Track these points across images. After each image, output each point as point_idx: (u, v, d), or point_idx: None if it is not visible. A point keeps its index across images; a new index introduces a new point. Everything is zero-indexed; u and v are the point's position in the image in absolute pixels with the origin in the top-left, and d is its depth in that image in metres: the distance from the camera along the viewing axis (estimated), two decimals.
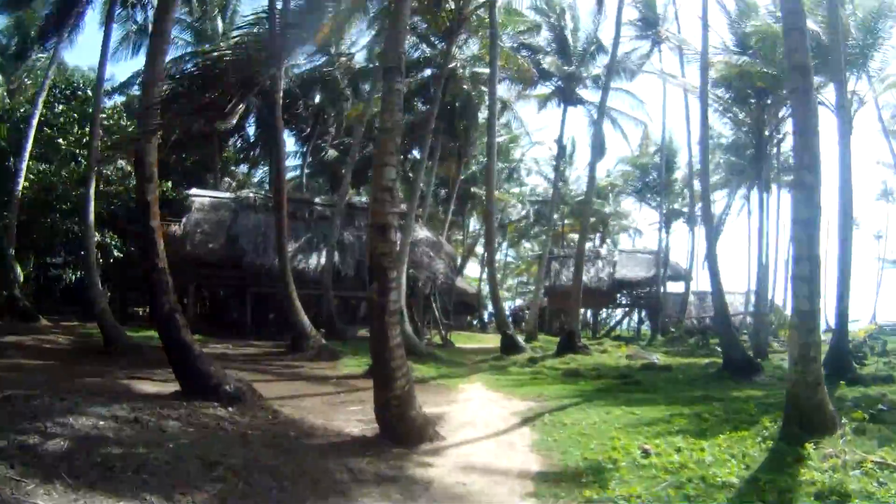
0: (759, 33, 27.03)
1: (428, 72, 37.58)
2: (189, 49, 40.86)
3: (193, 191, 36.21)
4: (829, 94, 27.61)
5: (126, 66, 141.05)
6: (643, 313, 56.51)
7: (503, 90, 42.46)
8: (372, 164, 13.18)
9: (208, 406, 11.77)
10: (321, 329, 27.17)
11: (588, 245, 67.30)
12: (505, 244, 75.95)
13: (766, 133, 33.75)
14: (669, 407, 14.84)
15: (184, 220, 33.70)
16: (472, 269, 75.48)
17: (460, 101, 41.27)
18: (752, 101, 31.47)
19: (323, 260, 33.14)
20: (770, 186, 42.30)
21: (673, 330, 42.45)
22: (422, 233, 36.83)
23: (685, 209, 58.32)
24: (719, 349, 33.40)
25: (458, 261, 57.98)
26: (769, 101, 30.92)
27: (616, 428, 12.19)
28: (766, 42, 26.48)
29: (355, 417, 12.83)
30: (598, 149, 32.48)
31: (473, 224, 69.65)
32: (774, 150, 43.39)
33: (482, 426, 12.81)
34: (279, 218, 25.69)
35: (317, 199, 38.75)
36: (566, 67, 40.16)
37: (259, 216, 34.71)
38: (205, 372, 13.21)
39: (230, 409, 12.01)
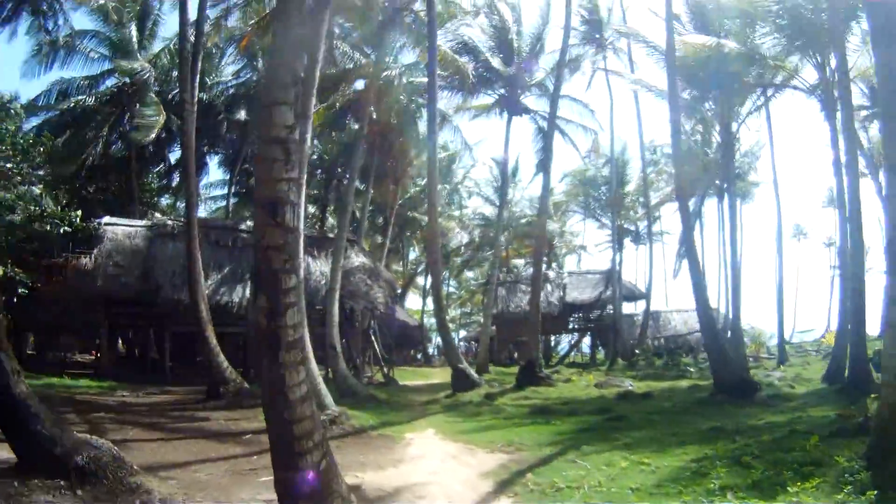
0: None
1: (360, 84, 34.25)
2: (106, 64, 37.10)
3: (106, 219, 31.90)
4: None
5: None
6: (596, 337, 53.30)
7: (442, 103, 39.34)
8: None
9: (48, 488, 8.20)
10: (249, 371, 23.85)
11: (531, 270, 64.78)
12: (447, 274, 72.35)
13: (735, 129, 31.06)
14: (683, 449, 11.56)
15: (95, 251, 29.45)
16: (414, 301, 71.84)
17: (396, 116, 37.92)
18: (717, 93, 28.71)
19: (248, 293, 29.11)
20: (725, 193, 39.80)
21: (638, 353, 39.13)
22: (357, 259, 33.09)
23: (635, 226, 55.94)
24: (690, 370, 30.62)
25: (399, 290, 54.31)
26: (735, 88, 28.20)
27: (634, 491, 8.64)
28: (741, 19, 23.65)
29: (263, 497, 8.97)
30: (549, 156, 28.97)
31: (413, 253, 65.97)
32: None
33: (442, 501, 9.02)
34: (190, 240, 21.70)
35: (243, 226, 34.51)
36: (510, 70, 36.88)
37: (178, 245, 30.38)
38: (48, 437, 9.12)
39: (79, 491, 8.38)
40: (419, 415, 18.87)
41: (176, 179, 45.01)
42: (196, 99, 24.03)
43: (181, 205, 44.30)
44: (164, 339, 30.91)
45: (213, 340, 21.12)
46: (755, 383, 19.46)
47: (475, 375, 24.35)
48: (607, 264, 56.30)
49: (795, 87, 26.76)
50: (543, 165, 28.95)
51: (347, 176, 41.02)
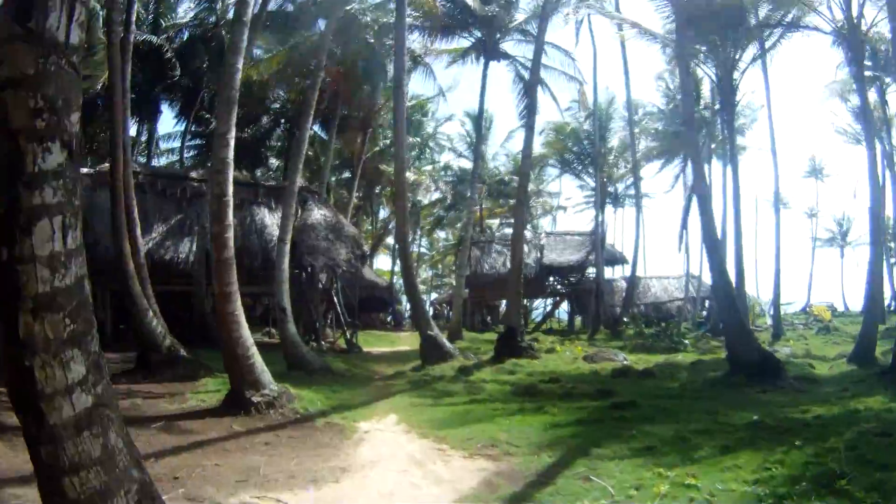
0: None
1: (322, 23, 30.81)
2: None
3: None
4: None
5: None
6: (574, 303, 50.50)
7: (414, 45, 35.89)
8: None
9: None
10: (195, 334, 21.18)
11: (507, 231, 61.77)
12: (418, 233, 69.15)
13: (736, 80, 28.06)
14: (732, 458, 8.73)
15: None
16: (384, 262, 68.72)
17: (363, 60, 34.52)
18: (717, 37, 25.68)
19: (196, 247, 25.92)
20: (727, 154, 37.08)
21: (626, 321, 36.23)
22: (318, 212, 29.86)
23: (614, 187, 53.06)
24: (685, 342, 27.82)
25: (367, 250, 51.12)
26: (739, 33, 25.20)
27: None
28: None
29: None
30: (534, 103, 25.43)
31: (383, 212, 62.60)
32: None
33: None
34: (114, 180, 18.27)
35: (193, 174, 30.92)
36: (488, 10, 33.47)
37: (136, 196, 26.98)
38: None
39: None
40: (381, 393, 15.66)
41: (130, 131, 41.21)
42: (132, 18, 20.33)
43: (140, 158, 40.58)
44: (105, 300, 27.55)
45: (143, 301, 17.81)
46: (779, 363, 16.53)
47: (448, 345, 21.19)
48: (585, 227, 53.90)
49: (815, 28, 23.70)
50: (528, 110, 25.56)
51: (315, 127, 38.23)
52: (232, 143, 12.49)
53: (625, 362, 20.52)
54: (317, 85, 21.98)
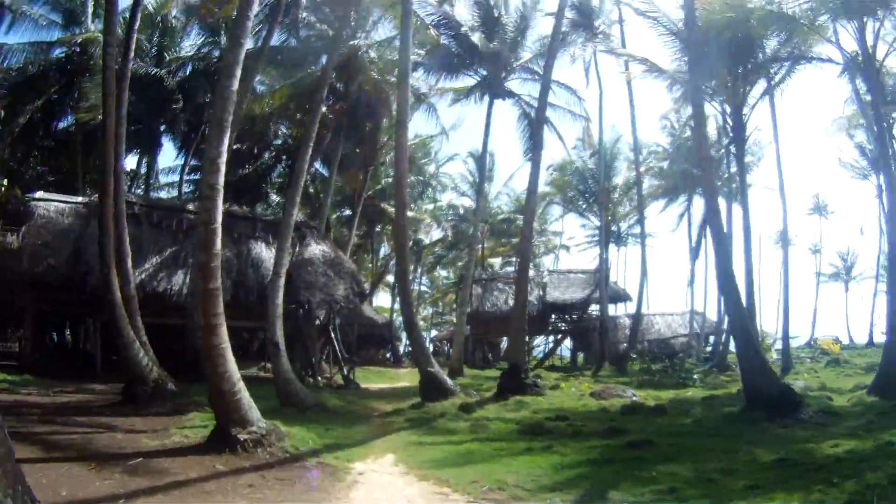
0: None
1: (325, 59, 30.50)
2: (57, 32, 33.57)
3: (38, 194, 27.74)
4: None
5: None
6: (578, 340, 49.55)
7: (419, 83, 35.50)
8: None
9: None
10: (187, 367, 20.08)
11: (509, 269, 61.00)
12: (419, 271, 68.32)
13: (746, 115, 27.51)
14: (764, 498, 7.82)
15: (23, 229, 25.35)
16: (384, 300, 67.85)
17: (366, 97, 34.06)
18: (727, 70, 25.17)
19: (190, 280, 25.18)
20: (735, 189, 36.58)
21: (633, 356, 35.28)
22: (317, 247, 29.11)
23: (617, 227, 52.32)
24: (694, 377, 26.98)
25: (367, 286, 50.30)
26: (748, 67, 24.68)
27: None
28: None
29: None
30: (540, 138, 24.72)
31: (384, 250, 61.83)
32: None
33: None
34: (103, 206, 17.54)
35: (190, 206, 30.19)
36: (493, 47, 33.05)
37: (130, 227, 26.25)
38: None
39: None
40: (377, 432, 14.75)
41: (128, 160, 40.67)
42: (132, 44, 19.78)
43: (138, 190, 39.95)
44: (94, 329, 26.77)
45: (128, 330, 16.97)
46: (798, 396, 15.63)
47: (449, 381, 20.23)
48: (587, 265, 53.12)
49: (827, 60, 23.16)
50: (534, 145, 24.87)
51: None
52: (223, 168, 11.71)
53: (634, 398, 19.60)
54: (316, 118, 21.35)
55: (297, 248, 28.41)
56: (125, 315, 17.05)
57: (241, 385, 11.48)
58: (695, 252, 42.31)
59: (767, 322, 64.51)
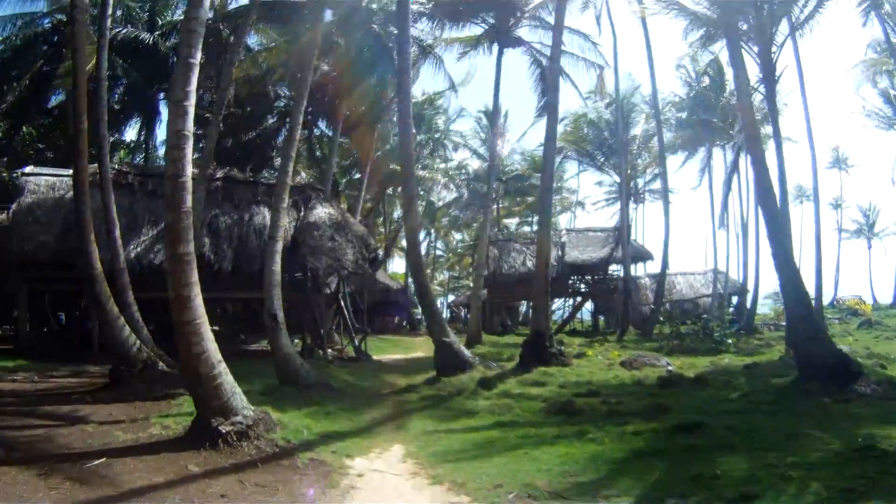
0: None
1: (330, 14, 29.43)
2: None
3: (28, 169, 26.29)
4: None
5: None
6: (600, 302, 47.81)
7: (424, 34, 33.52)
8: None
9: None
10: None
11: (526, 230, 59.18)
12: (433, 235, 66.56)
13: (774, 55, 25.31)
14: None
15: (13, 206, 24.08)
16: (399, 266, 66.22)
17: (370, 51, 32.17)
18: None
19: None
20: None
21: (662, 320, 33.43)
22: (322, 210, 27.28)
23: (634, 183, 50.36)
24: (729, 342, 25.28)
25: (380, 252, 48.67)
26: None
27: None
28: None
29: None
30: (557, 80, 22.52)
31: (397, 212, 59.93)
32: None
33: None
34: (77, 172, 15.93)
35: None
36: None
37: (124, 197, 24.57)
38: None
39: None
40: (386, 415, 13.09)
41: (127, 132, 39.22)
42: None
43: (138, 159, 38.34)
44: (89, 308, 25.26)
45: (112, 306, 15.40)
46: (857, 366, 13.87)
47: (466, 353, 18.49)
48: (604, 225, 51.16)
49: None
50: (550, 86, 22.69)
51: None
52: (191, 112, 9.99)
53: (669, 369, 17.92)
54: (309, 71, 19.39)
55: (303, 213, 26.71)
56: (107, 290, 15.50)
57: (221, 367, 9.83)
58: (724, 204, 40.28)
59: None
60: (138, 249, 23.33)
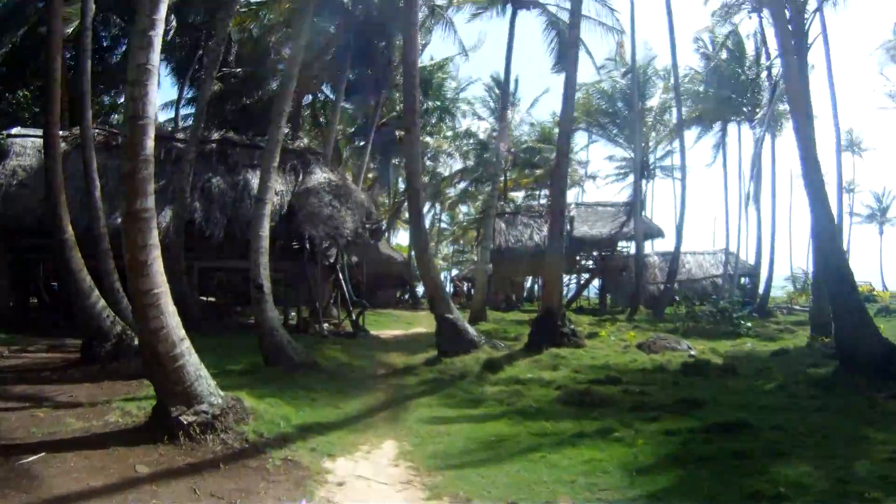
0: None
1: None
2: None
3: (15, 130, 24.95)
4: None
5: None
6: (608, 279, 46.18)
7: None
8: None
9: None
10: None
11: (533, 203, 57.42)
12: (438, 208, 64.74)
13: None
14: None
15: None
16: (403, 238, 64.62)
17: (375, 11, 30.59)
18: None
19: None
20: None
21: (678, 300, 31.92)
22: (321, 174, 25.70)
23: (644, 157, 48.56)
24: (749, 325, 23.90)
25: (382, 222, 47.14)
26: None
27: None
28: None
29: None
30: (577, 35, 20.50)
31: (402, 183, 58.17)
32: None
33: None
34: (49, 125, 14.48)
35: (180, 135, 26.85)
36: None
37: (102, 159, 22.91)
38: None
39: None
40: (379, 401, 11.56)
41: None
42: None
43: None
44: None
45: (82, 275, 13.98)
46: None
47: (471, 331, 16.93)
48: (614, 200, 49.47)
49: None
50: (571, 25, 20.56)
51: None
52: (157, 44, 8.42)
53: (692, 353, 16.41)
54: (302, 27, 17.66)
55: (301, 178, 25.20)
56: (78, 258, 14.10)
57: (185, 346, 8.36)
58: (756, 179, 38.49)
59: (798, 262, 60.88)
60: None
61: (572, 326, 17.85)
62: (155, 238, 8.29)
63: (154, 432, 8.10)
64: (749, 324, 24.37)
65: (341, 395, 11.55)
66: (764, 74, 38.05)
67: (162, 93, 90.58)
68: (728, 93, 38.32)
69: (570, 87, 19.40)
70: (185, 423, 8.00)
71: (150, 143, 8.35)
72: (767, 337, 22.55)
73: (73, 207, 20.05)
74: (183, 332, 8.46)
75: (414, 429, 9.38)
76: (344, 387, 12.46)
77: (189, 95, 37.95)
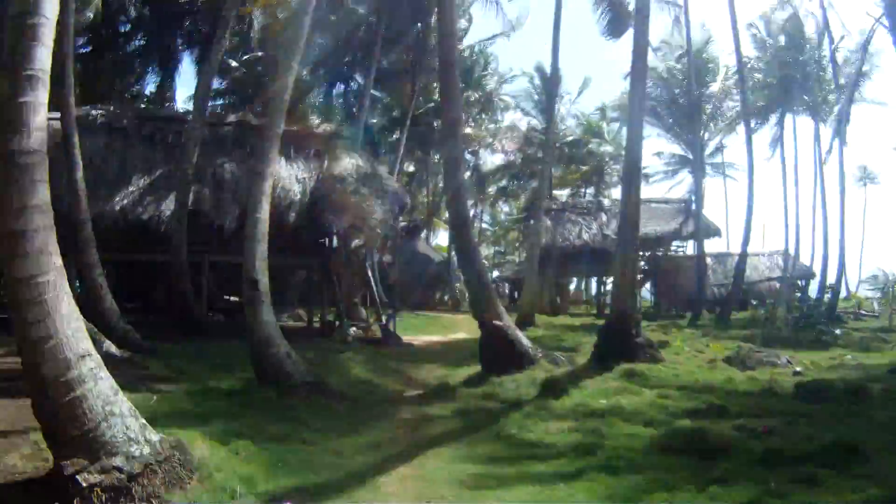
0: None
1: None
2: None
3: None
4: None
5: None
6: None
7: None
8: None
9: None
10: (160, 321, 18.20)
11: (580, 201, 54.10)
12: (478, 206, 61.52)
13: None
14: None
15: None
16: (442, 239, 61.51)
17: None
18: None
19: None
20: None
21: (755, 303, 28.81)
22: (348, 161, 22.81)
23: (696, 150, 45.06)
24: (838, 333, 20.83)
25: (419, 221, 44.61)
26: None
27: None
28: None
29: None
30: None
31: (441, 181, 55.17)
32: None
33: None
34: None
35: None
36: None
37: (113, 141, 21.17)
38: None
39: None
40: (402, 445, 8.27)
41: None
42: None
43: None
44: (67, 271, 21.20)
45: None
46: None
47: (524, 342, 13.39)
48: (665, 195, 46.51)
49: None
50: (637, 21, 16.97)
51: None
52: None
53: (797, 370, 13.16)
54: None
55: (325, 164, 22.35)
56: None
57: (86, 367, 5.35)
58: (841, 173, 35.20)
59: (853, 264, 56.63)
60: (125, 201, 19.48)
61: (648, 338, 14.59)
62: (42, 199, 5.28)
63: (48, 493, 5.19)
64: (837, 331, 21.18)
65: (349, 433, 8.30)
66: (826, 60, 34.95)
67: (185, 82, 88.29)
68: (790, 80, 35.15)
69: (640, 57, 16.04)
70: (84, 485, 5.02)
71: (42, 55, 5.38)
72: (861, 347, 19.16)
73: (95, 192, 18.84)
74: (87, 345, 5.47)
75: (449, 496, 6.18)
76: (356, 418, 9.25)
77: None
